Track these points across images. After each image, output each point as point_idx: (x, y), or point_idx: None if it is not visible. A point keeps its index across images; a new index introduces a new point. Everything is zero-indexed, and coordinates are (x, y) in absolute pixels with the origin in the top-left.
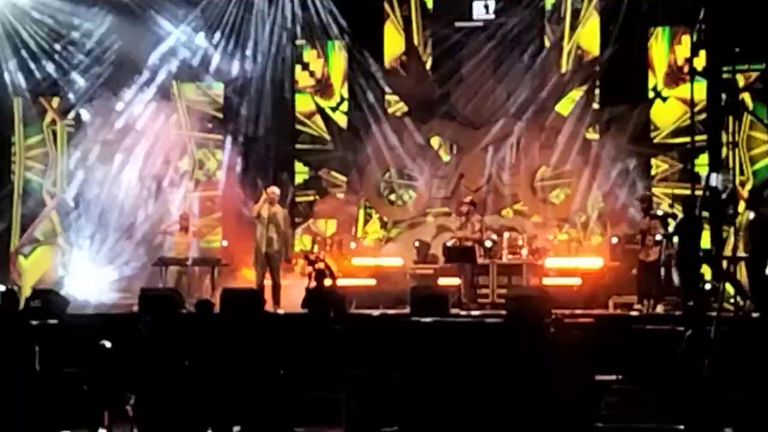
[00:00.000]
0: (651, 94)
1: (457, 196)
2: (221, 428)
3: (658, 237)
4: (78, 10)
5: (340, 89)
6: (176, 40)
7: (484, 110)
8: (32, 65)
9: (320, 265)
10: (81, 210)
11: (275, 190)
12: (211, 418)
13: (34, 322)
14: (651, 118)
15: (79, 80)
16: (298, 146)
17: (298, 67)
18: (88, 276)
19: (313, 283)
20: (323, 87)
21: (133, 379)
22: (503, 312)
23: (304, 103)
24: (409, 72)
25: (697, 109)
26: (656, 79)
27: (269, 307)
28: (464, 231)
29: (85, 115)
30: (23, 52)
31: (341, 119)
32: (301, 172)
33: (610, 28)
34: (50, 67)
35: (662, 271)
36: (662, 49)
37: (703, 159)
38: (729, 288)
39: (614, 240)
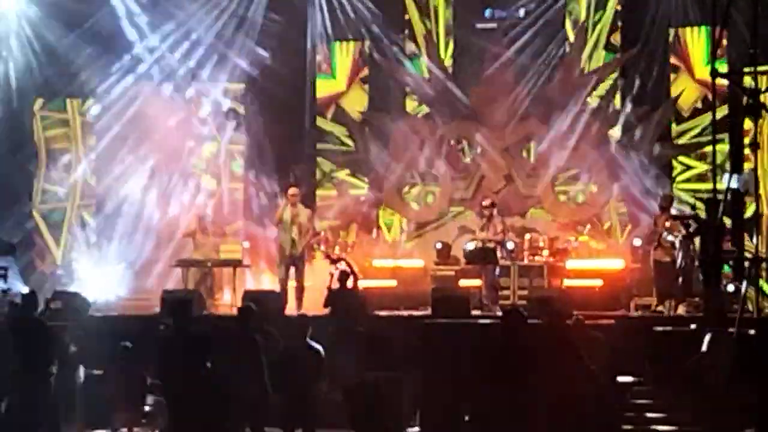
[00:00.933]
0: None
1: (477, 197)
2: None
3: (671, 238)
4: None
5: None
6: (193, 34)
7: (505, 111)
8: (47, 64)
9: (342, 265)
10: (97, 208)
11: (295, 192)
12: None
13: (55, 324)
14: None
15: (95, 76)
16: (318, 147)
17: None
18: (105, 276)
19: (336, 284)
20: None
21: (154, 380)
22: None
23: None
24: (430, 74)
25: None
26: (690, 76)
27: (291, 308)
28: (486, 232)
29: (98, 110)
30: (39, 53)
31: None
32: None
33: (632, 28)
34: (65, 65)
35: (682, 273)
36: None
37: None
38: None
39: (637, 242)
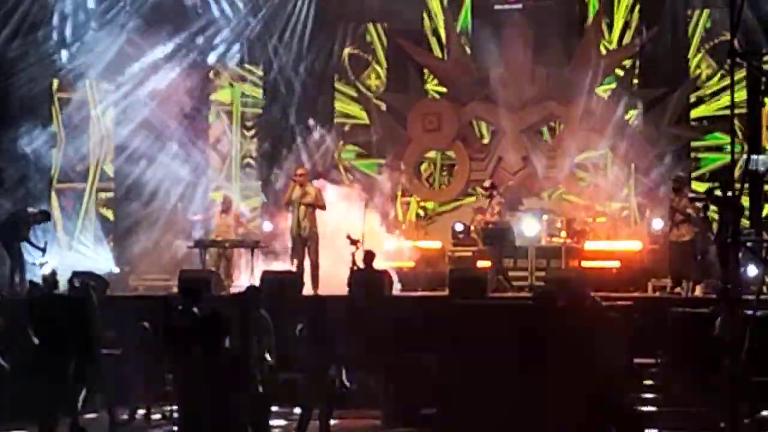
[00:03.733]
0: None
1: (495, 178)
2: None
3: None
4: None
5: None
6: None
7: (523, 93)
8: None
9: (359, 245)
10: (117, 190)
11: (303, 172)
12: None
13: (75, 304)
14: None
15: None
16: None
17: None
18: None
19: (361, 264)
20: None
21: (172, 360)
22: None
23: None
24: (449, 55)
25: None
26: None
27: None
28: (484, 214)
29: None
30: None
31: (380, 102)
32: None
33: (652, 9)
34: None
35: (700, 254)
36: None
37: None
38: None
39: (655, 223)
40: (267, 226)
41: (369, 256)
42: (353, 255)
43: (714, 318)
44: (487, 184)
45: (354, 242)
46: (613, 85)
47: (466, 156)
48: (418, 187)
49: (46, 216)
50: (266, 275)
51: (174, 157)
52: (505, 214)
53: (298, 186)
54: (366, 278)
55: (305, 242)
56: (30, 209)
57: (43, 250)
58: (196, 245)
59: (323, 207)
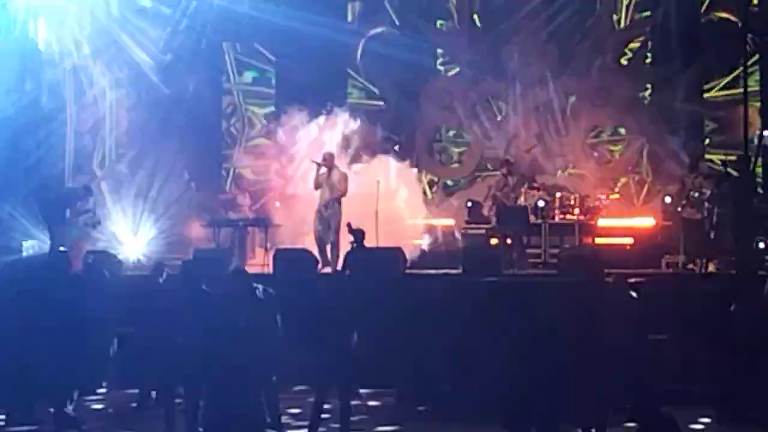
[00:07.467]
0: None
1: (508, 156)
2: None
3: (699, 195)
4: None
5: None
6: None
7: (536, 69)
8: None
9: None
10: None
11: (330, 153)
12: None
13: (88, 283)
14: None
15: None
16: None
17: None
18: (136, 236)
19: (354, 244)
20: None
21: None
22: (555, 272)
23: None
24: (461, 31)
25: None
26: None
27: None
28: (503, 190)
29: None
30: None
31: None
32: None
33: None
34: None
35: (713, 229)
36: None
37: None
38: None
39: (667, 199)
40: (276, 204)
41: (359, 234)
42: (352, 245)
43: (730, 293)
44: (507, 159)
45: (352, 231)
46: (626, 62)
47: (479, 134)
48: (431, 165)
49: (88, 192)
50: (280, 253)
51: (185, 134)
52: (521, 192)
53: (325, 168)
54: (361, 257)
55: (328, 222)
56: (70, 186)
57: (93, 212)
58: (210, 224)
59: (343, 193)
